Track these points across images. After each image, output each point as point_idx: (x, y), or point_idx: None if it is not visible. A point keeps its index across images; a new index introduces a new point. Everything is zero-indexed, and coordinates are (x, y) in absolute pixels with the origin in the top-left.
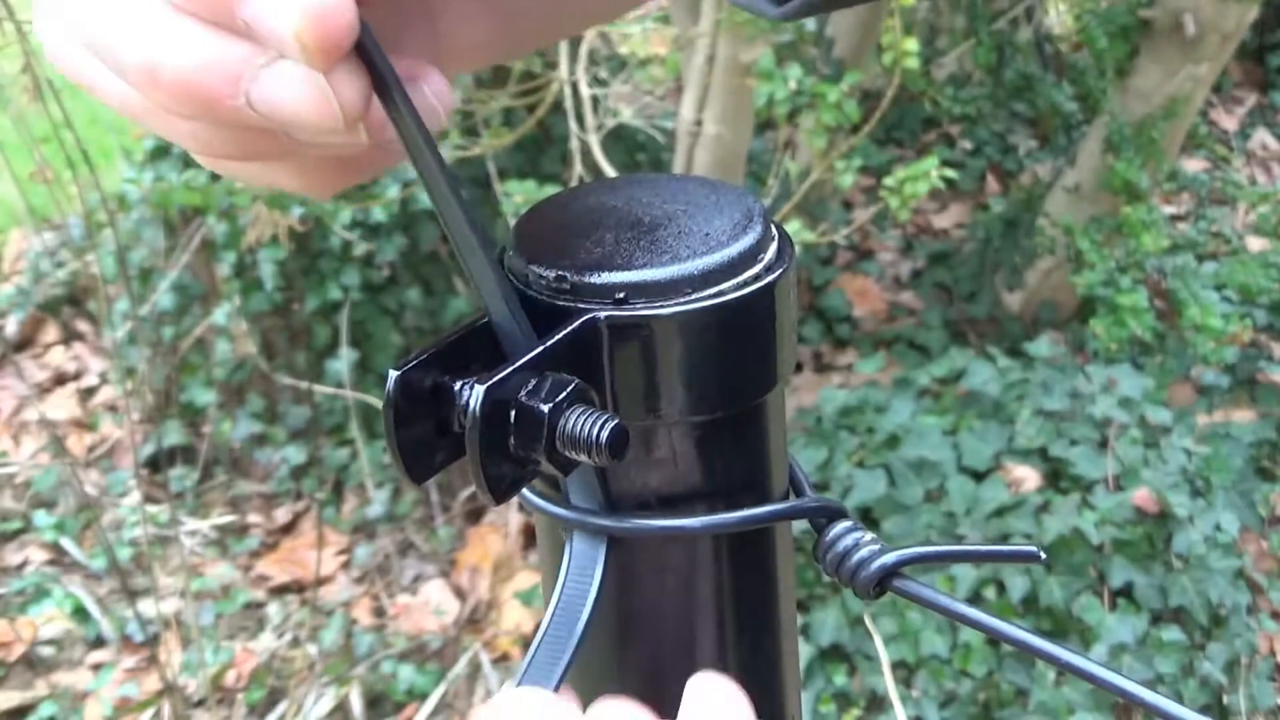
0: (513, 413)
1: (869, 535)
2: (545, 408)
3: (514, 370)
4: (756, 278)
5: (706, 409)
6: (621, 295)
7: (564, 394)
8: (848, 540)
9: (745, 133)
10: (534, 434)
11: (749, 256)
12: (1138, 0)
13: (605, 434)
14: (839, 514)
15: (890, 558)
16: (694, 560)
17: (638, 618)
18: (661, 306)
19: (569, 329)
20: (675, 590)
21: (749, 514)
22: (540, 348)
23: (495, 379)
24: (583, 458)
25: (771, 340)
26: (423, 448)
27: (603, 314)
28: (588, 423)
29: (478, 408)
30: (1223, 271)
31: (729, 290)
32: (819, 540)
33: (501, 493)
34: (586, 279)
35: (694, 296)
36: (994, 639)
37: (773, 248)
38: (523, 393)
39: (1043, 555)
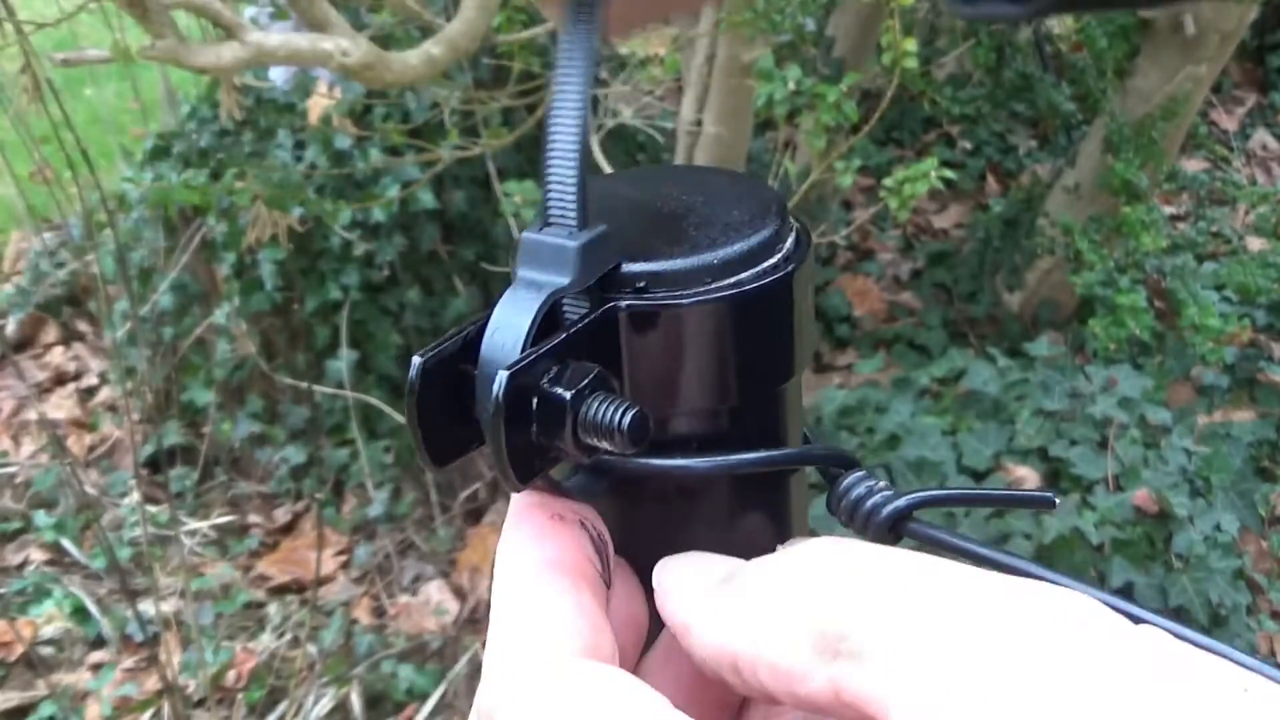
0: (534, 399)
1: (882, 482)
2: (567, 394)
3: (537, 357)
4: (775, 268)
5: (723, 398)
6: (642, 284)
7: (585, 381)
8: (860, 489)
9: (745, 133)
10: (556, 420)
11: (768, 247)
12: None
13: (627, 420)
14: (851, 463)
15: (902, 501)
16: (702, 514)
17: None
18: (681, 296)
19: (590, 317)
20: (682, 544)
21: (762, 456)
22: (562, 336)
23: (519, 365)
24: (604, 444)
25: (789, 331)
26: (444, 435)
27: (623, 303)
28: (609, 409)
29: (500, 393)
30: (1222, 271)
31: (748, 280)
32: (832, 490)
33: (523, 479)
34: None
35: (713, 286)
36: None
37: (791, 239)
38: (545, 379)
39: (1056, 501)
